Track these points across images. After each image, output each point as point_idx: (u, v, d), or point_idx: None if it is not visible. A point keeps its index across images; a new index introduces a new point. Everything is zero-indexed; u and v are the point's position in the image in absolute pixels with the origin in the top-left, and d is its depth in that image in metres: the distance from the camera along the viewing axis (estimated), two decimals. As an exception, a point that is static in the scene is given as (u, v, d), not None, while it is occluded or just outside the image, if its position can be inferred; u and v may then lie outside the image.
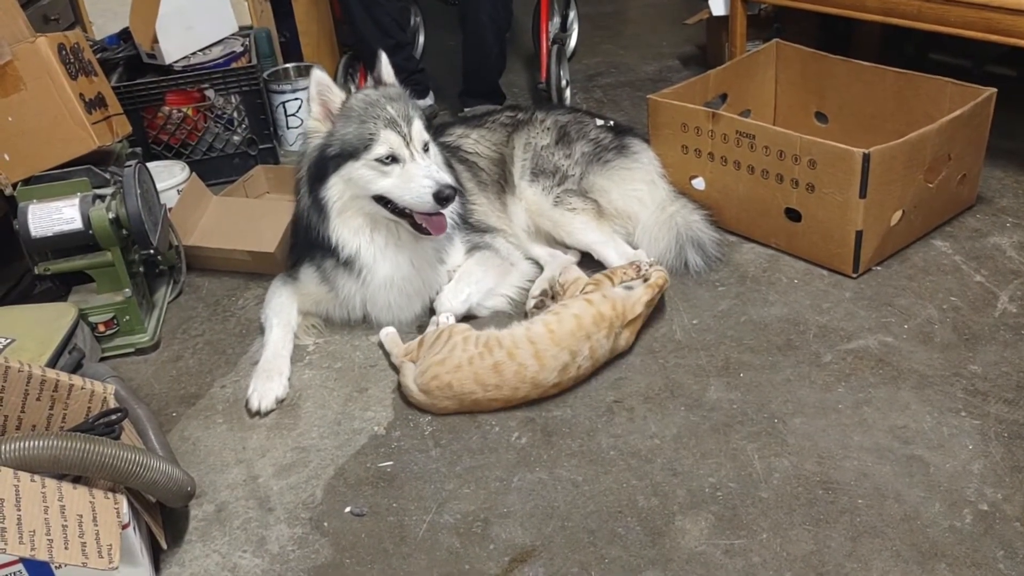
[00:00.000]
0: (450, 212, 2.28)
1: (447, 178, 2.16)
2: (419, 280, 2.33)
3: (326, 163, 2.20)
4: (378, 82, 2.31)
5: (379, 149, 2.14)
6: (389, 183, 2.16)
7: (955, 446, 1.85)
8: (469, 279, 2.37)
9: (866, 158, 2.23)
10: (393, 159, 2.15)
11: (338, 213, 2.23)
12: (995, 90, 2.49)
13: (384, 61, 2.32)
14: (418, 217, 2.20)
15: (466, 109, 3.42)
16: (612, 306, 2.10)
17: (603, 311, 2.09)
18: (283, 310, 2.37)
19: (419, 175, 2.14)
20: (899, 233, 2.45)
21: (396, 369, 2.22)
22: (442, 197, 2.12)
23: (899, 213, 2.41)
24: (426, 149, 2.21)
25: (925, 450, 1.85)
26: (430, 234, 2.22)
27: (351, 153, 2.17)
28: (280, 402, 2.16)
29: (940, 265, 2.43)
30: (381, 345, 2.30)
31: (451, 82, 3.67)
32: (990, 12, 2.51)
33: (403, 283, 2.31)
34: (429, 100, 3.61)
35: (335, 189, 2.21)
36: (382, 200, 2.20)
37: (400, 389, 2.13)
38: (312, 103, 2.22)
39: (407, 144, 2.16)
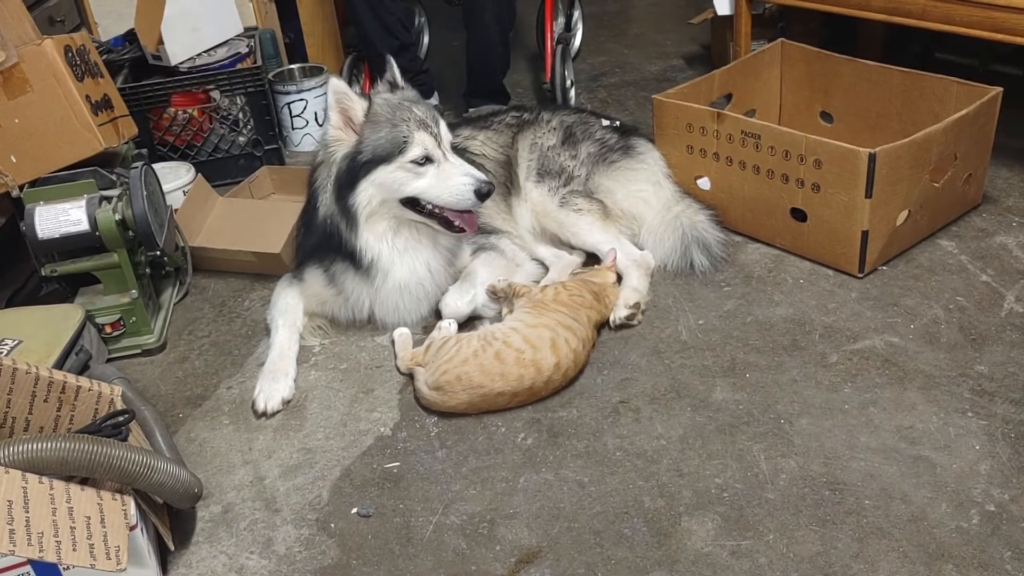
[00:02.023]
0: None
1: (483, 175, 2.21)
2: (432, 283, 2.35)
3: (356, 170, 2.19)
4: (393, 86, 2.32)
5: (414, 151, 2.16)
6: (424, 184, 2.18)
7: (962, 447, 1.85)
8: (474, 280, 2.38)
9: (872, 158, 2.23)
10: (427, 160, 2.17)
11: (367, 218, 2.24)
12: (1001, 89, 2.48)
13: (394, 66, 2.34)
14: (451, 215, 2.22)
15: (471, 110, 3.42)
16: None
17: (539, 298, 2.22)
18: (289, 311, 2.37)
19: (457, 174, 2.18)
20: (905, 233, 2.45)
21: (400, 370, 2.23)
22: (482, 193, 2.17)
23: (905, 213, 2.40)
24: (452, 148, 2.24)
25: (932, 451, 1.85)
26: (464, 231, 2.26)
27: (383, 158, 2.17)
28: (286, 403, 2.16)
29: (946, 265, 2.42)
30: (393, 343, 2.30)
31: (456, 83, 3.67)
32: (995, 11, 2.51)
33: (416, 287, 2.32)
34: (434, 101, 3.61)
35: (365, 195, 2.21)
36: (411, 202, 2.21)
37: (413, 393, 2.13)
38: (331, 112, 2.20)
39: (439, 144, 2.19)
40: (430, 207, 2.23)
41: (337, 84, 2.20)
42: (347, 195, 2.22)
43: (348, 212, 2.23)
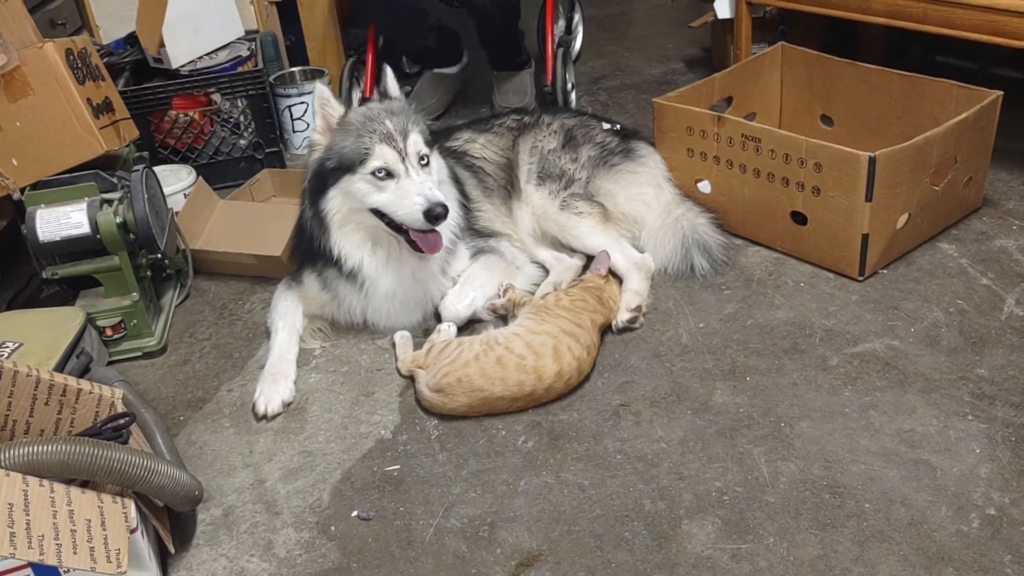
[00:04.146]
0: (449, 231, 2.30)
1: (439, 196, 2.14)
2: (420, 293, 2.34)
3: (326, 176, 2.22)
4: (383, 96, 2.32)
5: (373, 163, 2.15)
6: (384, 198, 2.17)
7: (962, 450, 1.85)
8: (473, 283, 2.38)
9: (872, 161, 2.23)
10: (388, 174, 2.15)
11: (339, 226, 2.25)
12: (1001, 93, 2.48)
13: (389, 75, 2.34)
14: (412, 234, 2.20)
15: (499, 104, 3.46)
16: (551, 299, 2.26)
17: (541, 303, 2.24)
18: (288, 314, 2.38)
19: (412, 191, 2.14)
20: (905, 236, 2.45)
21: (401, 373, 2.23)
22: (432, 215, 2.11)
23: (905, 216, 2.41)
24: (425, 163, 2.20)
25: (932, 454, 1.85)
26: (423, 252, 2.22)
27: (348, 167, 2.18)
28: (287, 406, 2.17)
29: (946, 268, 2.43)
30: (393, 346, 2.30)
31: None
32: (996, 15, 2.51)
33: (405, 296, 2.33)
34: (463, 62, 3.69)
35: (334, 202, 2.23)
36: (380, 213, 2.21)
37: (415, 396, 2.14)
38: (316, 116, 2.24)
39: (403, 159, 2.16)
40: (394, 221, 2.20)
41: (321, 89, 2.23)
42: (319, 200, 2.24)
43: (320, 217, 2.25)
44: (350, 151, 2.17)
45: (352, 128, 2.20)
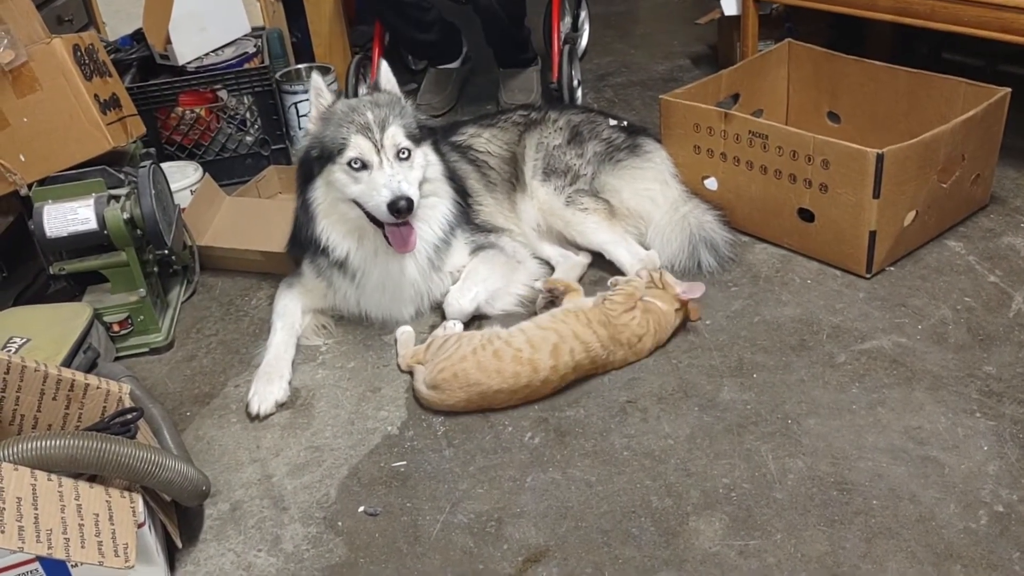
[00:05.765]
0: (438, 228, 2.31)
1: (406, 189, 2.12)
2: (410, 287, 2.34)
3: (311, 164, 2.24)
4: (375, 88, 2.34)
5: (349, 153, 2.16)
6: (359, 189, 2.17)
7: (970, 447, 1.85)
8: (476, 277, 2.38)
9: (880, 158, 2.22)
10: (363, 165, 2.16)
11: (324, 215, 2.26)
12: (1009, 90, 2.47)
13: (384, 68, 2.35)
14: (387, 228, 2.19)
15: (504, 100, 3.46)
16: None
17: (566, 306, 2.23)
18: (287, 313, 2.38)
19: (380, 183, 2.13)
20: (912, 233, 2.44)
21: (401, 369, 2.23)
22: (396, 208, 2.10)
23: (912, 213, 2.40)
24: (404, 157, 2.18)
25: (940, 451, 1.85)
26: (395, 247, 2.21)
27: (329, 156, 2.19)
28: (280, 406, 2.16)
29: (954, 265, 2.42)
30: (396, 341, 2.31)
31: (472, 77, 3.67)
32: (1005, 12, 2.50)
33: (395, 289, 2.33)
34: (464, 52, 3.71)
35: (320, 191, 2.25)
36: (360, 205, 2.21)
37: (414, 393, 2.14)
38: (312, 106, 2.27)
39: (378, 151, 2.15)
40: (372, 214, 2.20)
41: (316, 79, 2.28)
42: (306, 188, 2.27)
43: (306, 205, 2.27)
44: (330, 141, 2.19)
45: (335, 118, 2.21)
